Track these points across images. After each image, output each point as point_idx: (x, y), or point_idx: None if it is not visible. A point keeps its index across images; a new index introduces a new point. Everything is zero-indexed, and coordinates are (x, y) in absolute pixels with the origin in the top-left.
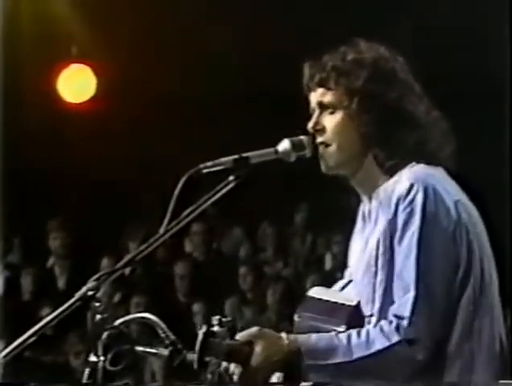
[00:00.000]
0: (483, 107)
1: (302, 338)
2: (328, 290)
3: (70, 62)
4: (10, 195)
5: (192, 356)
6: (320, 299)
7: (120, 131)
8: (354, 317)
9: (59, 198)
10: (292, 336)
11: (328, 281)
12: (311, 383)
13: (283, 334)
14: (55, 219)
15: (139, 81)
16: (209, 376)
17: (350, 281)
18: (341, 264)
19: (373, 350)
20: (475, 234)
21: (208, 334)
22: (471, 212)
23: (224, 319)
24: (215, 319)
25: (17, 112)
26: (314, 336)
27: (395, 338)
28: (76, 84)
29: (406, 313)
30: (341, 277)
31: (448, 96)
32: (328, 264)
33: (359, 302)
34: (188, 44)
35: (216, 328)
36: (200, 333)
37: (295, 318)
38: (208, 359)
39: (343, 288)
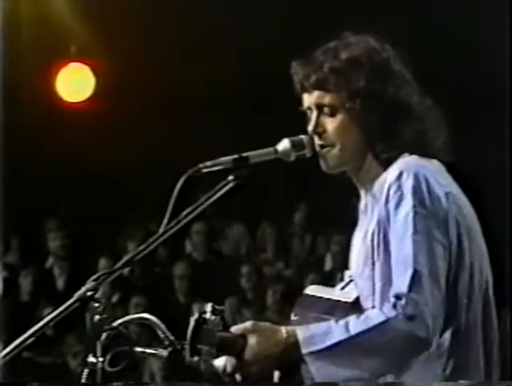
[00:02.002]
0: (483, 106)
1: (300, 329)
2: (324, 288)
3: (69, 61)
4: (7, 195)
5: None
6: (316, 297)
7: (119, 130)
8: (351, 314)
9: (57, 198)
10: (291, 329)
11: (328, 281)
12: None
13: (282, 328)
14: (54, 219)
15: (138, 80)
16: (202, 365)
17: (351, 281)
18: (341, 264)
19: (369, 325)
20: (465, 227)
21: (200, 321)
22: (462, 205)
23: (217, 307)
24: (208, 307)
25: (15, 112)
26: (312, 325)
27: (392, 313)
28: (75, 83)
29: (404, 290)
30: (341, 277)
31: (447, 95)
32: (328, 264)
33: (356, 299)
34: (188, 43)
35: (208, 315)
36: (192, 320)
37: (292, 316)
38: (200, 346)
39: (344, 287)
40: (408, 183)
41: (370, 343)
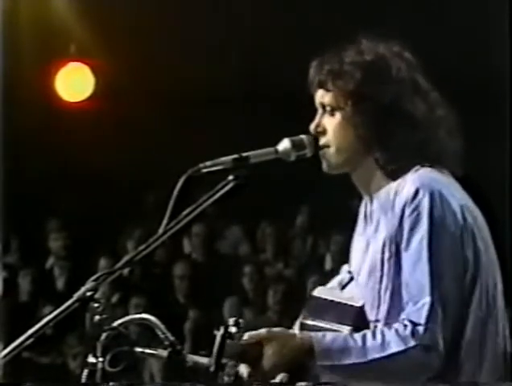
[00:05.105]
0: (483, 107)
1: (316, 337)
2: (332, 290)
3: (68, 60)
4: (7, 195)
5: (191, 357)
6: (325, 299)
7: (119, 130)
8: (360, 318)
9: (57, 198)
10: (306, 334)
11: (329, 282)
12: (310, 383)
13: (297, 334)
14: (55, 219)
15: (138, 80)
16: (226, 379)
17: (350, 280)
18: (341, 265)
19: (388, 352)
20: (481, 238)
21: (226, 336)
22: (476, 216)
23: (240, 320)
24: (231, 320)
25: (15, 112)
26: (328, 336)
27: (411, 343)
28: (74, 82)
29: (422, 319)
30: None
31: (447, 96)
32: (328, 264)
33: (364, 303)
34: (188, 43)
35: (233, 329)
36: (218, 335)
37: (300, 317)
38: (224, 360)
39: (343, 287)
40: (424, 203)
41: (385, 369)
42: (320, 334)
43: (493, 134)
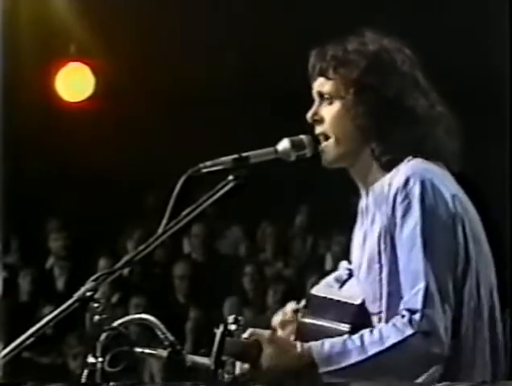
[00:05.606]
0: (483, 107)
1: (315, 348)
2: (330, 288)
3: (68, 60)
4: (7, 195)
5: (190, 357)
6: (323, 297)
7: (119, 130)
8: (359, 315)
9: (57, 198)
10: (306, 346)
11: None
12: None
13: (298, 343)
14: (56, 219)
15: (138, 80)
16: (226, 376)
17: (348, 278)
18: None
19: (387, 344)
20: (471, 229)
21: (225, 333)
22: (468, 208)
23: (239, 318)
24: (231, 318)
25: (15, 112)
26: (327, 343)
27: (409, 331)
28: (75, 82)
29: (418, 305)
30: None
31: (447, 96)
32: (329, 263)
33: (363, 301)
34: (188, 43)
35: (233, 327)
36: (218, 332)
37: (298, 316)
38: (224, 358)
39: (342, 284)
40: (415, 191)
41: (387, 363)
42: (318, 343)
43: (493, 134)
